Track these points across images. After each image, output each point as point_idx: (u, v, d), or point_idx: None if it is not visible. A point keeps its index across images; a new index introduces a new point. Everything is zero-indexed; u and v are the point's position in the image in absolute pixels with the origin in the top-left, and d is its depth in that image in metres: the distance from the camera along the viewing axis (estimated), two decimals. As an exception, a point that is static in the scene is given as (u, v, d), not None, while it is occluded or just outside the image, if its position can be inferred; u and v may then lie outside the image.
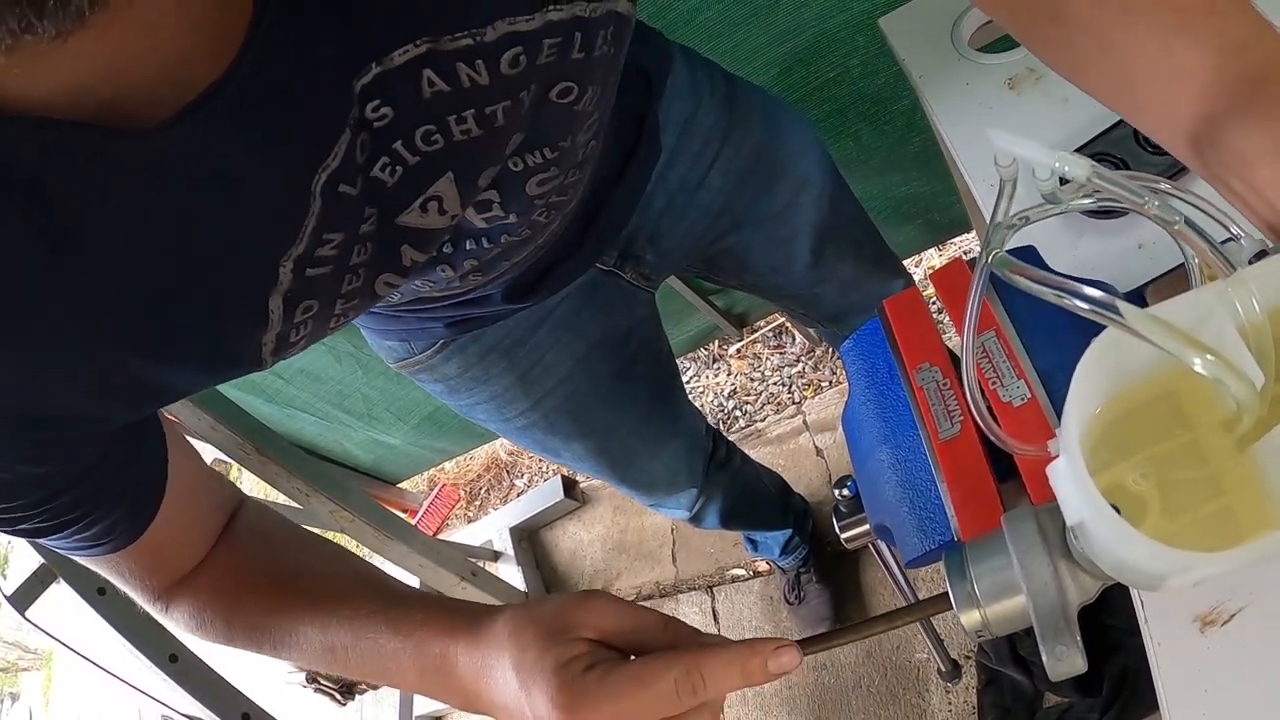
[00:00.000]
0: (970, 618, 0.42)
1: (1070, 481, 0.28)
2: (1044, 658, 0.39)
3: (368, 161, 0.44)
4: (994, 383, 0.49)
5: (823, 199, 0.95)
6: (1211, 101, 0.42)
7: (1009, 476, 0.49)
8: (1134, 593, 0.56)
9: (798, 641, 0.45)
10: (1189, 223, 0.31)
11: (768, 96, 0.91)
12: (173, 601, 0.60)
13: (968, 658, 1.52)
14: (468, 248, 0.59)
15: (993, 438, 0.41)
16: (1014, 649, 1.44)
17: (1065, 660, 0.39)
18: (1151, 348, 0.29)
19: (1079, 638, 0.39)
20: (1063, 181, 0.37)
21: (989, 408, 0.49)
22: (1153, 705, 0.53)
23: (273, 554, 0.62)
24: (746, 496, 1.40)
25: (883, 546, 0.68)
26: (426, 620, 0.53)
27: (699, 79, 0.83)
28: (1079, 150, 0.75)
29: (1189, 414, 0.36)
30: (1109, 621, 1.36)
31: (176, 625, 0.61)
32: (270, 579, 0.60)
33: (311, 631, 0.56)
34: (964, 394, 0.46)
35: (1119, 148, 0.74)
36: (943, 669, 0.95)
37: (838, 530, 0.63)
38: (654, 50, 0.79)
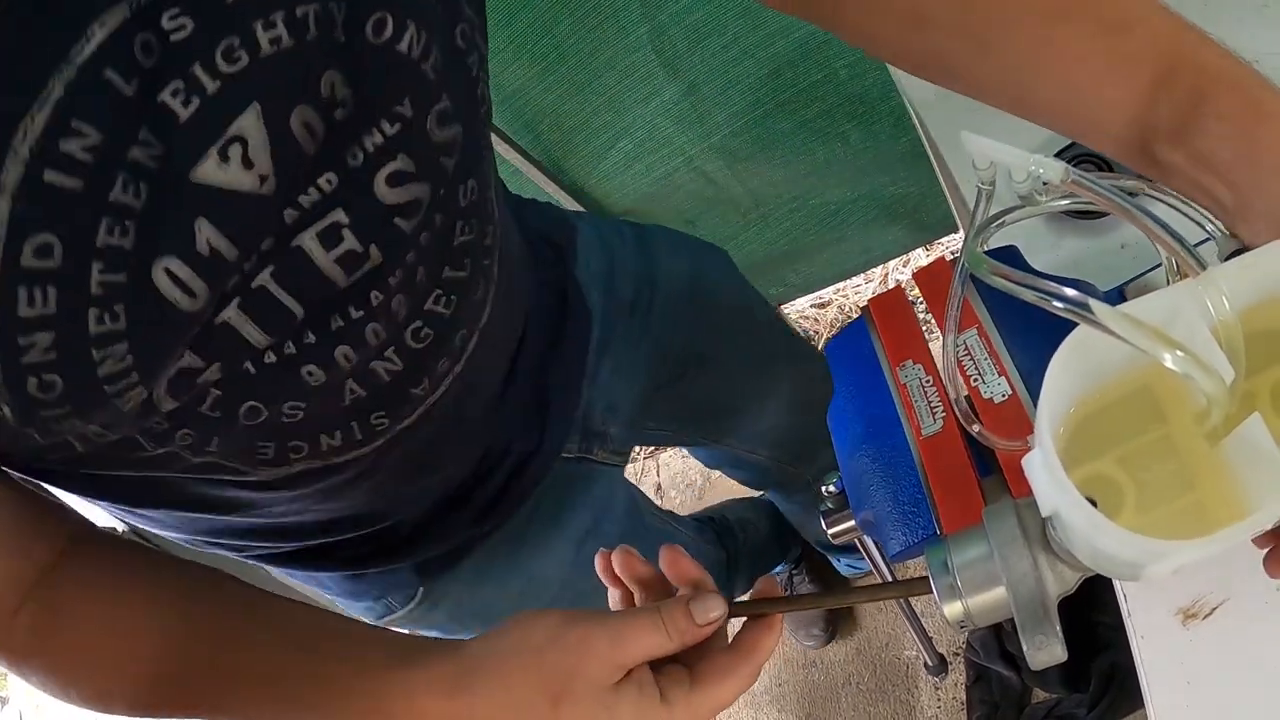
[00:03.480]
0: (953, 609, 0.42)
1: (1044, 473, 0.29)
2: (1024, 647, 0.40)
3: (154, 76, 0.36)
4: (975, 380, 0.50)
5: (754, 312, 0.97)
6: (1156, 110, 0.41)
7: (990, 472, 0.50)
8: (1117, 587, 0.57)
9: (736, 602, 0.49)
10: (1159, 222, 0.32)
11: (670, 230, 0.92)
12: (27, 661, 0.50)
13: (956, 654, 1.53)
14: (352, 315, 0.48)
15: (974, 433, 0.42)
16: (1002, 645, 1.45)
17: (1044, 649, 0.40)
18: (1126, 345, 0.30)
19: (1058, 628, 0.40)
20: (1045, 184, 0.38)
21: (970, 404, 0.50)
22: (1139, 701, 0.54)
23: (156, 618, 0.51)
24: (752, 564, 1.37)
25: (868, 541, 0.69)
26: (361, 672, 0.49)
27: (606, 231, 0.83)
28: (1063, 152, 0.76)
29: (1163, 410, 0.37)
30: (1098, 619, 1.37)
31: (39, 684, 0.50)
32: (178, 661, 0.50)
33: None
34: (946, 391, 0.47)
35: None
36: (929, 663, 0.96)
37: (824, 526, 0.64)
38: (554, 219, 0.79)
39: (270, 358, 0.46)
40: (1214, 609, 0.55)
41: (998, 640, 1.46)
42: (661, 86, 1.22)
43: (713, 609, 0.47)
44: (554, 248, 0.76)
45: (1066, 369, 0.30)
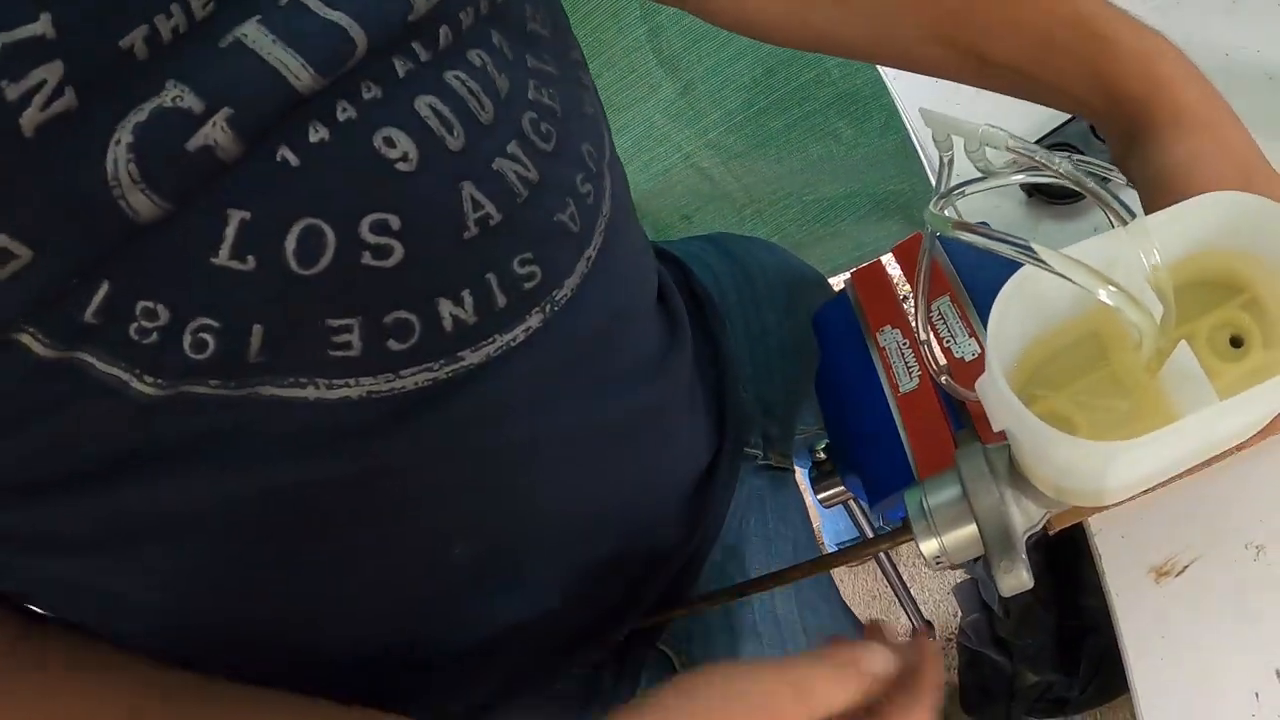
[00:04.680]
0: (929, 546, 0.46)
1: (993, 389, 0.33)
2: (993, 574, 0.44)
3: None
4: (948, 341, 0.55)
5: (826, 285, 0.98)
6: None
7: (963, 425, 0.54)
8: (1094, 547, 0.61)
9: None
10: (1090, 174, 0.37)
11: (729, 234, 0.92)
12: None
13: (949, 639, 1.56)
14: (426, 58, 0.33)
15: (942, 384, 0.46)
16: (993, 630, 1.48)
17: (1011, 574, 0.43)
18: (1071, 289, 0.34)
19: (1024, 556, 0.44)
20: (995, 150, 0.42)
21: (945, 363, 0.54)
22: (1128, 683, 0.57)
23: None
24: None
25: (854, 506, 0.72)
26: None
27: (688, 246, 0.82)
28: (1039, 140, 0.81)
29: (1109, 352, 0.41)
30: (1085, 603, 1.40)
31: None
32: None
33: None
34: (921, 350, 0.52)
35: (1077, 139, 0.80)
36: (917, 627, 0.99)
37: (813, 490, 0.68)
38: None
39: (318, 132, 0.30)
40: (1185, 567, 0.57)
41: (989, 626, 1.49)
42: (659, 85, 1.25)
43: (883, 659, 0.42)
44: (661, 255, 0.73)
45: (1012, 303, 0.34)
